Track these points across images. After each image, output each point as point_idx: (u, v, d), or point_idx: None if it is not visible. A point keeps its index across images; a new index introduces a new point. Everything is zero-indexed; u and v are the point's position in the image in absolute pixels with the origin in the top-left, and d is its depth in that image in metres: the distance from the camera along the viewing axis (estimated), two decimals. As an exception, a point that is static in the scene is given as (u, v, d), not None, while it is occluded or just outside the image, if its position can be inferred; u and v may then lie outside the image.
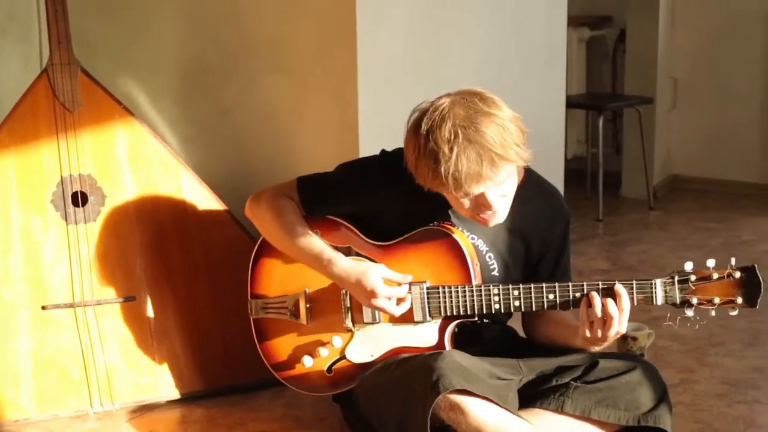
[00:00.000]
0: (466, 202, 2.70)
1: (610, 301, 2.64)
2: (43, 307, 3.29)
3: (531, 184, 2.95)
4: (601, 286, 2.69)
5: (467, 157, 2.58)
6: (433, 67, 3.98)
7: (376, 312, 2.85)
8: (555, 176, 4.28)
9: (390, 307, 2.80)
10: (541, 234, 2.97)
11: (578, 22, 6.63)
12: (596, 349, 2.79)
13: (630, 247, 5.39)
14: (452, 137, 2.60)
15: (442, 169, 2.60)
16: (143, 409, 3.38)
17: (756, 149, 6.51)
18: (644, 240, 5.54)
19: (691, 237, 5.53)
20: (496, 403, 2.57)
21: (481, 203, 2.69)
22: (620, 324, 2.65)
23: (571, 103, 5.84)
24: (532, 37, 4.65)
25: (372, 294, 2.78)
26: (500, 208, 2.72)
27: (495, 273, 2.93)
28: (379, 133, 3.56)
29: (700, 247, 5.21)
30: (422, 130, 2.65)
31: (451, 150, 2.59)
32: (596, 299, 2.65)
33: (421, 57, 3.93)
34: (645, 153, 6.23)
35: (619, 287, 2.65)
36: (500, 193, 2.70)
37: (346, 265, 2.83)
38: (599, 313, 2.64)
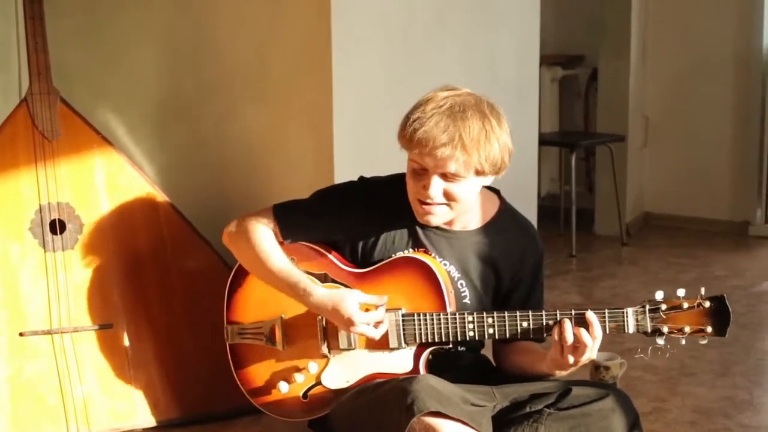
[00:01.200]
0: (414, 177, 2.79)
1: (582, 330, 2.67)
2: (21, 334, 3.30)
3: (506, 216, 3.00)
4: (574, 314, 2.72)
5: (436, 121, 2.71)
6: (406, 99, 4.00)
7: (352, 338, 2.88)
8: (529, 213, 4.29)
9: (369, 331, 2.82)
10: (512, 267, 2.99)
11: (551, 62, 6.71)
12: (563, 374, 2.82)
13: (603, 281, 5.44)
14: (439, 105, 2.74)
15: (411, 116, 2.74)
16: (119, 437, 3.39)
17: (726, 187, 6.59)
18: (617, 275, 5.59)
19: (663, 272, 5.59)
20: (472, 427, 2.59)
21: (422, 180, 2.76)
22: (592, 351, 2.68)
23: (544, 141, 5.91)
24: (505, 75, 4.71)
25: (349, 322, 2.80)
26: (438, 199, 2.77)
27: (467, 300, 2.95)
28: (354, 161, 3.61)
29: (672, 282, 5.25)
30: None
31: (430, 110, 2.73)
32: (567, 324, 2.68)
33: (395, 89, 3.97)
34: (617, 190, 6.29)
35: (591, 315, 2.68)
36: (443, 184, 2.75)
37: (322, 294, 2.85)
38: (569, 339, 2.67)
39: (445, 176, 2.75)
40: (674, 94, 6.66)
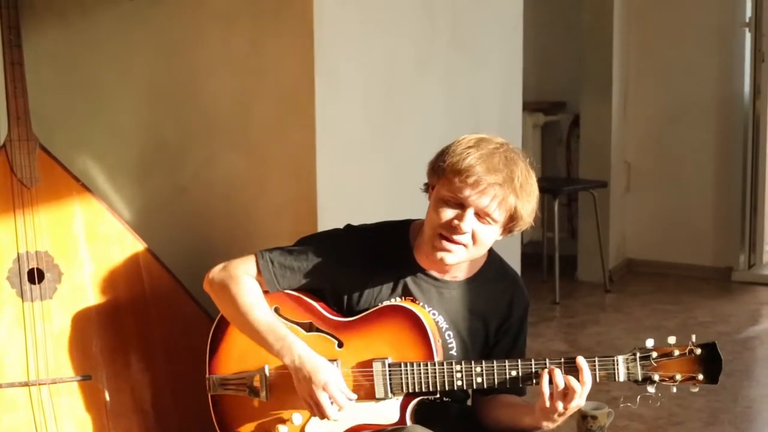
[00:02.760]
0: (445, 209, 2.72)
1: (571, 377, 2.63)
2: (-3, 385, 3.24)
3: (495, 266, 2.96)
4: (563, 362, 2.68)
5: (491, 157, 2.68)
6: (390, 145, 4.01)
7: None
8: (512, 260, 4.27)
9: (337, 400, 2.74)
10: (500, 317, 2.96)
11: (533, 108, 6.72)
12: (550, 425, 2.77)
13: (587, 329, 5.41)
14: (490, 145, 2.72)
15: (456, 147, 2.71)
16: (98, 491, 3.32)
17: (709, 233, 6.60)
18: (601, 322, 5.56)
19: (648, 319, 5.57)
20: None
21: (452, 213, 2.71)
22: (581, 397, 2.64)
23: (527, 187, 5.87)
24: (487, 121, 4.69)
25: (326, 385, 2.73)
26: (466, 238, 2.72)
27: (453, 352, 2.91)
28: (338, 208, 3.57)
29: (657, 328, 5.24)
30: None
31: (485, 147, 2.71)
32: (557, 371, 2.64)
33: (379, 136, 3.95)
34: (600, 236, 6.28)
35: (581, 360, 2.65)
36: (478, 226, 2.71)
37: (304, 351, 2.78)
38: (560, 385, 2.63)
39: (479, 215, 2.71)
40: (656, 140, 6.68)
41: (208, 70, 3.78)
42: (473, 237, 2.74)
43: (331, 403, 2.74)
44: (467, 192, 2.68)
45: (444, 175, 2.72)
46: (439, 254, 2.78)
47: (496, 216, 2.72)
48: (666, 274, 6.58)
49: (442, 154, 2.75)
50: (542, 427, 2.78)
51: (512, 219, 2.74)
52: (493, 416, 2.93)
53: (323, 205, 3.61)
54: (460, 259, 2.81)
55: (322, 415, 2.75)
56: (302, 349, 2.78)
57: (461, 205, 2.71)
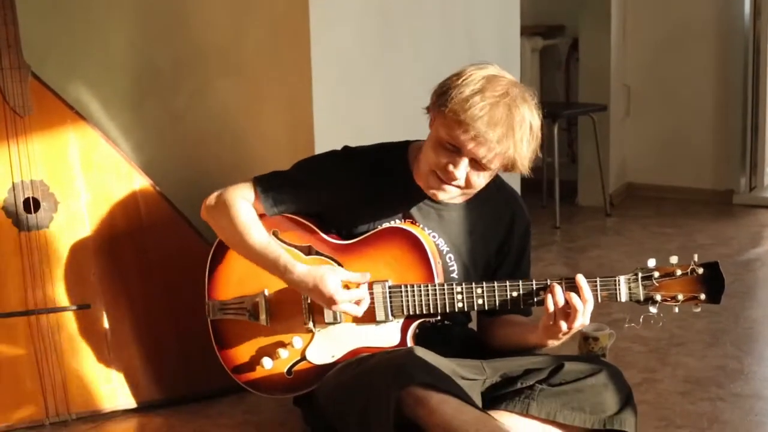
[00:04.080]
0: (442, 151, 2.68)
1: (573, 294, 2.62)
2: (-4, 315, 3.23)
3: (494, 187, 2.93)
4: (564, 280, 2.66)
5: (493, 110, 2.62)
6: (385, 71, 3.97)
7: (338, 312, 2.81)
8: (512, 186, 4.27)
9: (351, 309, 2.76)
10: (501, 236, 2.96)
11: (531, 32, 6.64)
12: (555, 343, 2.77)
13: (588, 252, 5.39)
14: (496, 91, 2.66)
15: (461, 91, 2.64)
16: (101, 419, 3.31)
17: (709, 156, 6.55)
18: (601, 246, 5.54)
19: (648, 242, 5.55)
20: (462, 399, 2.52)
21: (448, 157, 2.68)
22: (584, 315, 2.63)
23: (526, 112, 5.83)
24: (485, 46, 4.63)
25: (331, 300, 2.73)
26: (460, 182, 2.71)
27: (454, 275, 2.90)
28: (335, 132, 3.54)
29: (657, 251, 5.19)
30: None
31: (489, 95, 2.64)
32: (558, 288, 2.63)
33: (374, 60, 3.91)
34: (600, 160, 6.24)
35: (580, 279, 2.64)
36: (472, 173, 2.69)
37: (303, 271, 2.77)
38: (561, 302, 2.62)
39: (475, 163, 2.68)
40: (656, 63, 6.61)
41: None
42: (467, 181, 2.72)
43: (350, 303, 2.75)
44: (465, 143, 2.65)
45: (445, 116, 2.67)
46: (432, 191, 2.77)
47: (492, 166, 2.70)
48: (666, 197, 6.54)
49: (447, 93, 2.68)
50: (547, 345, 2.79)
51: (510, 167, 2.72)
52: (500, 336, 2.93)
53: (320, 130, 3.58)
54: (452, 197, 2.79)
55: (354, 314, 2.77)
56: (299, 270, 2.77)
57: (458, 151, 2.68)
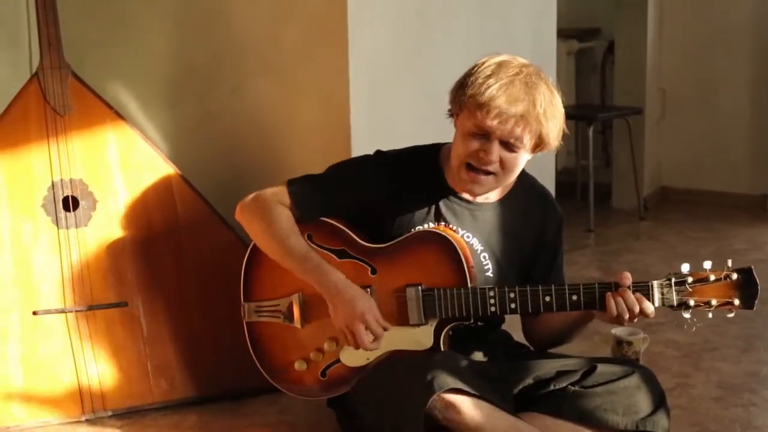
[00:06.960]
0: (471, 140, 2.71)
1: (621, 300, 2.64)
2: (34, 313, 3.26)
3: (525, 185, 2.95)
4: (597, 288, 2.67)
5: (511, 87, 2.67)
6: (422, 70, 3.97)
7: (357, 330, 2.78)
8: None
9: (364, 335, 2.74)
10: (534, 234, 2.97)
11: (567, 35, 6.63)
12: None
13: (621, 256, 5.38)
14: (510, 71, 2.71)
15: (476, 77, 2.70)
16: (136, 416, 3.35)
17: (744, 160, 6.52)
18: (635, 250, 5.53)
19: (682, 246, 5.53)
20: (493, 403, 2.54)
21: (478, 145, 2.70)
22: (647, 309, 2.64)
23: (561, 114, 5.83)
24: (520, 48, 4.60)
25: (362, 316, 2.73)
26: (494, 167, 2.72)
27: (489, 274, 2.90)
28: (370, 133, 3.55)
29: (691, 256, 5.13)
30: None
31: (504, 75, 2.69)
32: (610, 300, 2.65)
33: (411, 60, 3.92)
34: (635, 163, 6.23)
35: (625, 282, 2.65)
36: (505, 154, 2.71)
37: (343, 280, 2.78)
38: (622, 309, 2.64)
39: (506, 144, 2.70)
40: (692, 66, 6.58)
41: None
42: (502, 164, 2.73)
43: (366, 332, 2.74)
44: (491, 123, 2.67)
45: (466, 107, 2.71)
46: (468, 186, 2.79)
47: (523, 142, 2.70)
48: (700, 201, 6.52)
49: (463, 85, 2.73)
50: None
51: (539, 143, 2.73)
52: (550, 325, 2.94)
53: (356, 130, 3.59)
54: (490, 189, 2.81)
55: (358, 345, 2.75)
56: (338, 278, 2.78)
57: (486, 136, 2.69)
